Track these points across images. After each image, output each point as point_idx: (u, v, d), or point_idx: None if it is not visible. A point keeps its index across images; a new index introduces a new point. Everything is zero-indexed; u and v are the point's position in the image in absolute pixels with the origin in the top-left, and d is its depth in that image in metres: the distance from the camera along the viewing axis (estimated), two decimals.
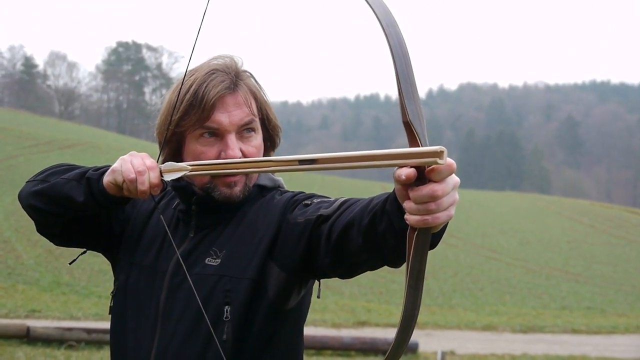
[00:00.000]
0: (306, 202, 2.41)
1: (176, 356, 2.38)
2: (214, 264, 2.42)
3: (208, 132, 2.42)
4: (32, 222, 2.73)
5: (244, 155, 2.43)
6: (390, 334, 19.02)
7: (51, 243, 2.75)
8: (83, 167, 2.58)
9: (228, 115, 2.40)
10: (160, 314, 2.44)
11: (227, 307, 2.36)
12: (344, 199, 2.34)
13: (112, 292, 2.62)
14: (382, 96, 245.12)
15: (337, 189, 66.23)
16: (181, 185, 2.51)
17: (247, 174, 2.45)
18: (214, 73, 2.42)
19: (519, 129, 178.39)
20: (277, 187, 2.62)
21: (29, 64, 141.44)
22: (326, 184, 68.81)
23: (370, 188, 71.53)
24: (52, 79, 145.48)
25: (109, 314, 2.61)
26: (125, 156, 2.39)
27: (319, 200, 2.42)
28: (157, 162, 2.44)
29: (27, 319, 17.43)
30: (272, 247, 2.41)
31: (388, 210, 2.03)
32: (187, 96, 2.39)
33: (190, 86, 2.41)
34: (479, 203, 67.83)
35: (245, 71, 2.50)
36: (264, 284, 2.38)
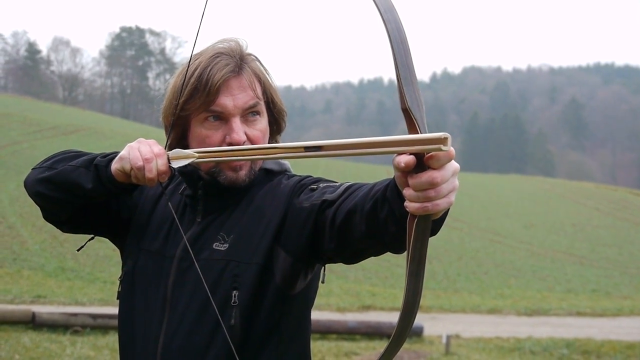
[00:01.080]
0: (312, 186, 2.40)
1: (184, 340, 2.37)
2: (222, 248, 2.41)
3: (212, 115, 2.40)
4: (38, 208, 2.73)
5: (249, 139, 2.41)
6: (395, 317, 19.01)
7: (57, 229, 2.74)
8: (90, 153, 2.58)
9: (232, 99, 2.38)
10: (168, 299, 2.43)
11: (235, 291, 2.35)
12: (349, 183, 2.33)
13: (119, 278, 2.61)
14: (385, 80, 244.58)
15: (342, 172, 66.23)
16: (188, 171, 2.49)
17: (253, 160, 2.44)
18: (218, 56, 2.41)
19: (523, 112, 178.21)
20: (284, 172, 2.61)
21: (32, 49, 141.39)
22: (330, 167, 68.79)
23: (374, 172, 71.52)
24: (56, 65, 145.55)
25: (117, 299, 2.60)
26: (132, 143, 2.39)
27: (324, 185, 2.40)
28: (165, 148, 2.45)
29: (33, 304, 17.47)
30: (279, 232, 2.39)
31: (388, 197, 2.03)
32: (192, 80, 2.38)
33: (195, 70, 2.39)
34: (483, 186, 67.81)
35: (250, 54, 2.49)
36: (271, 268, 2.37)
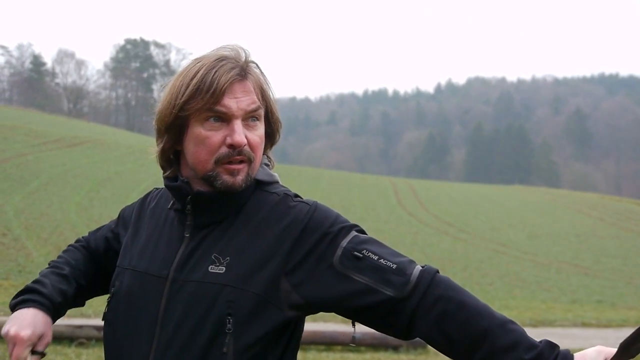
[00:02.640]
0: (357, 254, 2.34)
1: None
2: (218, 271, 2.34)
3: (214, 117, 2.37)
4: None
5: (249, 143, 2.40)
6: None
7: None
8: (39, 283, 2.68)
9: (236, 101, 2.36)
10: (159, 321, 2.37)
11: (229, 317, 2.30)
12: (419, 277, 2.34)
13: (108, 299, 2.56)
14: (390, 91, 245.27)
15: (345, 183, 66.24)
16: (176, 185, 2.46)
17: (249, 163, 2.44)
18: (223, 60, 2.40)
19: (527, 123, 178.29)
20: (274, 182, 2.59)
21: (37, 62, 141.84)
22: (333, 179, 68.77)
23: (378, 182, 71.55)
24: (61, 77, 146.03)
25: (102, 319, 2.56)
26: (15, 317, 2.59)
27: (376, 259, 2.33)
28: (158, 152, 2.50)
29: None
30: (286, 264, 2.35)
31: None
32: (195, 80, 2.35)
33: (197, 72, 2.38)
34: (487, 197, 67.80)
35: (253, 62, 2.49)
36: (270, 299, 2.33)
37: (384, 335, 13.87)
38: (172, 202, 2.55)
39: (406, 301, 2.28)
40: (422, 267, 2.35)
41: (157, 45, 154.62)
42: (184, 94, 2.37)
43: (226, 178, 2.38)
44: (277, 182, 2.58)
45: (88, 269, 2.76)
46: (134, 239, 2.59)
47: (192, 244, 2.44)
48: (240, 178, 2.39)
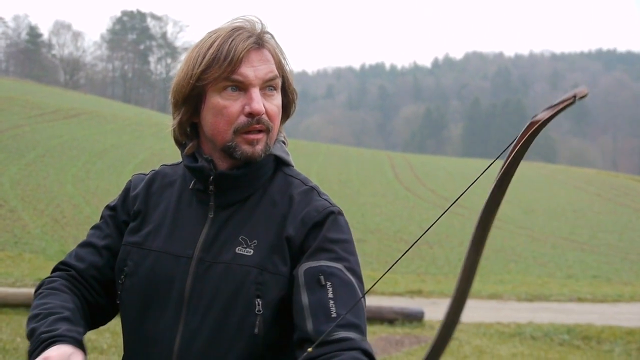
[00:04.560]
0: (321, 280, 2.28)
1: (205, 344, 2.33)
2: (246, 254, 2.36)
3: (232, 86, 2.36)
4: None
5: (266, 112, 2.39)
6: (395, 302, 19.08)
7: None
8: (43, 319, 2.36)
9: (254, 70, 2.35)
10: (185, 300, 2.37)
11: (258, 299, 2.31)
12: (336, 329, 2.22)
13: (120, 280, 2.49)
14: (387, 65, 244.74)
15: (342, 157, 66.24)
16: (198, 166, 2.45)
17: (267, 133, 2.42)
18: (239, 30, 2.38)
19: (524, 98, 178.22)
20: (292, 165, 2.58)
21: (33, 33, 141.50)
22: (330, 153, 68.75)
23: (375, 157, 71.54)
24: (57, 49, 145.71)
25: (118, 301, 2.50)
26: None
27: (330, 296, 2.27)
28: (175, 124, 2.46)
29: (34, 287, 17.50)
30: (302, 253, 2.36)
31: None
32: (211, 50, 2.34)
33: (214, 42, 2.36)
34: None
35: (268, 32, 2.48)
36: (291, 281, 2.35)
37: (379, 308, 13.90)
38: (192, 182, 2.52)
39: (311, 341, 2.21)
40: (365, 348, 2.22)
41: (154, 17, 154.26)
42: (200, 63, 2.35)
43: (245, 148, 2.37)
44: (291, 163, 2.58)
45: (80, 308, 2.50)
46: (145, 219, 2.55)
47: (217, 224, 2.43)
48: (259, 148, 2.38)
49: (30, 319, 2.38)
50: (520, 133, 1.71)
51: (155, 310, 2.41)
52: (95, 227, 2.65)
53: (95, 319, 2.58)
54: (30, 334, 2.33)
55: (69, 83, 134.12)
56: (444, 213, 1.89)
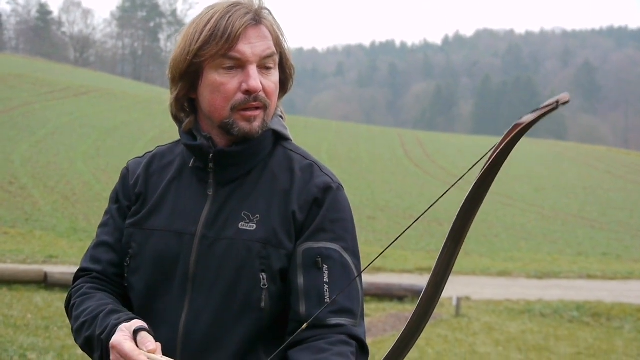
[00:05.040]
0: (317, 262, 2.33)
1: (211, 319, 2.34)
2: (249, 229, 2.36)
3: (229, 62, 2.38)
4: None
5: (264, 89, 2.39)
6: (405, 279, 19.11)
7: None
8: (95, 318, 2.38)
9: (251, 47, 2.34)
10: (190, 277, 2.38)
11: (263, 274, 2.33)
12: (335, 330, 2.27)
13: (125, 263, 2.50)
14: (397, 43, 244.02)
15: (352, 134, 66.18)
16: (197, 144, 2.44)
17: (265, 109, 2.43)
18: (236, 6, 2.37)
19: (535, 75, 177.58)
20: (290, 139, 2.57)
21: (43, 10, 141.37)
22: (341, 130, 68.70)
23: (385, 134, 71.46)
24: (67, 26, 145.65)
25: (125, 284, 2.50)
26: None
27: (325, 280, 2.32)
28: (171, 96, 2.45)
29: (45, 264, 17.57)
30: (303, 229, 2.37)
31: None
32: (208, 26, 2.33)
33: (211, 18, 2.35)
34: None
35: (266, 8, 2.46)
36: (293, 256, 2.36)
37: (388, 285, 13.91)
38: (192, 160, 2.51)
39: (302, 324, 2.22)
40: (354, 333, 2.28)
41: None
42: (197, 40, 2.34)
43: (243, 125, 2.37)
44: (289, 137, 2.57)
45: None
46: (146, 200, 2.54)
47: (219, 200, 2.43)
48: (256, 124, 2.38)
49: (78, 331, 2.41)
50: (504, 134, 1.74)
51: (161, 288, 2.42)
52: (102, 225, 2.63)
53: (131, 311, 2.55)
54: (88, 344, 2.36)
55: (79, 61, 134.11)
56: (440, 197, 1.89)
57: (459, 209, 1.82)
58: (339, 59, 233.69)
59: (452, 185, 1.94)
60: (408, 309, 15.28)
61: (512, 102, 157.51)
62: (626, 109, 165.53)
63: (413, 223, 1.86)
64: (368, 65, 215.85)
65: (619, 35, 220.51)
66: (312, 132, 62.17)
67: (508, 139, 1.73)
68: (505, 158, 1.77)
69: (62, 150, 39.80)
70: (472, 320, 14.80)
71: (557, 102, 1.62)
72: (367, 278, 18.47)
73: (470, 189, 1.79)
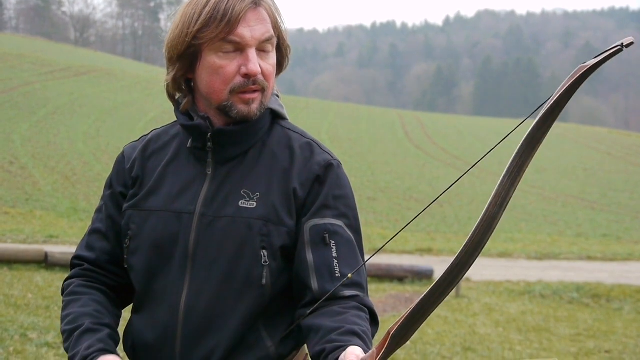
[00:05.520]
0: (325, 238, 2.35)
1: (212, 299, 2.35)
2: (249, 206, 2.37)
3: (228, 46, 2.36)
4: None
5: (262, 72, 2.39)
6: (405, 260, 19.14)
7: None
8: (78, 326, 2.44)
9: (250, 30, 2.34)
10: (190, 256, 2.38)
11: (264, 251, 2.34)
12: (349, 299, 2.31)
13: (125, 244, 2.51)
14: (398, 24, 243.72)
15: (353, 115, 66.18)
16: (195, 124, 2.44)
17: (263, 92, 2.43)
18: None
19: (536, 56, 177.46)
20: (285, 117, 2.58)
21: None
22: (341, 111, 68.68)
23: (386, 115, 71.44)
24: (67, 6, 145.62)
25: (125, 265, 2.52)
26: None
27: (334, 255, 2.34)
28: (169, 80, 2.44)
29: (45, 244, 17.57)
30: (304, 206, 2.40)
31: None
32: (207, 9, 2.31)
33: (209, 0, 2.38)
34: (495, 131, 67.68)
35: None
36: (295, 233, 2.38)
37: (389, 266, 13.92)
38: (190, 140, 2.50)
39: (316, 299, 2.29)
40: (366, 303, 2.32)
41: None
42: (196, 22, 2.33)
43: (241, 108, 2.37)
44: (288, 118, 2.58)
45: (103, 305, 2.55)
46: (144, 182, 2.54)
47: (217, 179, 2.44)
48: (255, 107, 2.38)
49: (62, 336, 2.47)
50: (569, 76, 1.80)
51: (161, 268, 2.42)
52: (97, 210, 2.66)
53: (125, 298, 2.64)
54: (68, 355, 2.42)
55: (79, 40, 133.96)
56: (464, 175, 1.89)
57: (518, 147, 1.90)
58: (339, 39, 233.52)
59: (471, 169, 1.94)
60: (408, 290, 15.32)
61: (512, 83, 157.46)
62: (627, 91, 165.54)
63: (431, 204, 1.86)
64: (369, 46, 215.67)
65: (620, 17, 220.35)
66: (312, 113, 62.15)
67: (572, 81, 1.79)
68: (569, 98, 1.84)
69: (62, 130, 39.81)
70: (472, 301, 14.82)
71: (622, 44, 1.67)
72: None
73: (531, 127, 1.88)
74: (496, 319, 13.26)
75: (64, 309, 2.54)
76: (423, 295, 1.78)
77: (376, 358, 1.83)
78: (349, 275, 2.30)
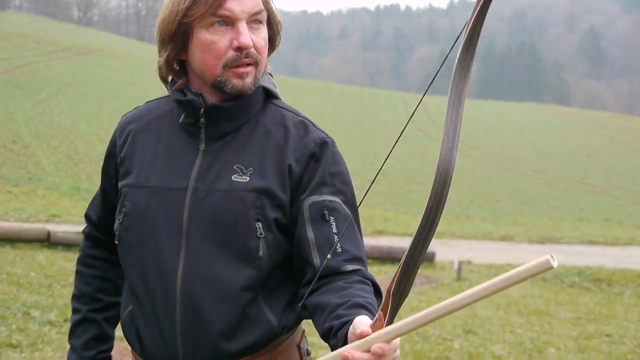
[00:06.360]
0: (324, 214, 2.37)
1: (209, 274, 2.35)
2: (242, 181, 2.38)
3: (219, 21, 2.34)
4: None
5: (254, 46, 2.39)
6: (407, 243, 19.14)
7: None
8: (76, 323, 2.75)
9: (239, 3, 2.33)
10: (184, 233, 2.38)
11: (259, 223, 2.34)
12: (340, 258, 2.34)
13: (118, 221, 2.51)
14: (402, 6, 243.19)
15: (356, 98, 66.10)
16: (188, 99, 2.43)
17: (256, 66, 2.41)
18: None
19: (540, 40, 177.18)
20: (277, 96, 2.58)
21: None
22: (344, 94, 68.61)
23: (390, 97, 71.37)
24: None
25: (116, 241, 2.52)
26: None
27: (334, 231, 2.36)
28: (162, 62, 2.44)
29: (48, 223, 17.61)
30: (300, 184, 2.40)
31: (333, 344, 2.13)
32: None
33: None
34: (498, 114, 67.66)
35: None
36: (288, 205, 2.39)
37: (390, 248, 13.89)
38: (182, 116, 2.51)
39: (316, 275, 2.30)
40: (368, 277, 2.34)
41: None
42: (185, 0, 2.35)
43: (235, 82, 2.37)
44: (281, 97, 2.58)
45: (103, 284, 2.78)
46: (135, 158, 2.55)
47: (210, 155, 2.44)
48: (249, 81, 2.38)
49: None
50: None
51: (155, 245, 2.43)
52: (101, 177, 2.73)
53: None
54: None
55: (83, 20, 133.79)
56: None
57: (451, 79, 1.95)
58: (343, 22, 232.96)
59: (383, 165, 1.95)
60: None
61: (516, 66, 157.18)
62: (631, 75, 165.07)
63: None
64: (372, 28, 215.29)
65: (625, 1, 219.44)
66: (315, 95, 62.10)
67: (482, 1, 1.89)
68: (484, 19, 1.94)
69: (65, 110, 39.80)
70: (474, 284, 14.83)
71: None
72: (369, 241, 18.53)
73: (457, 57, 1.95)
74: (497, 302, 13.29)
75: (75, 280, 2.81)
76: (409, 246, 1.84)
77: (384, 320, 1.86)
78: (338, 250, 2.31)
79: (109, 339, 2.76)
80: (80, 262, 2.78)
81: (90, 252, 2.76)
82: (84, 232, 2.80)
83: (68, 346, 2.70)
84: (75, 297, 2.76)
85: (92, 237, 2.76)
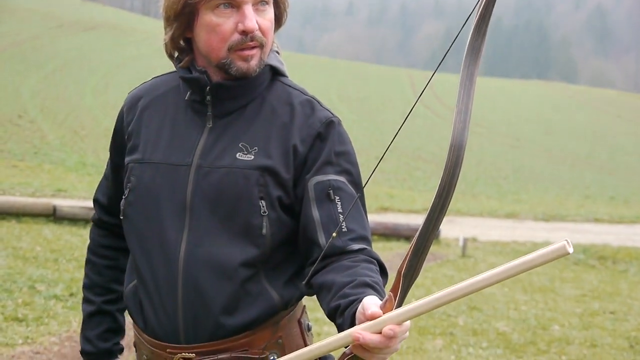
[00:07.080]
0: (330, 194, 2.37)
1: (211, 250, 2.36)
2: (247, 159, 2.37)
3: (224, 3, 2.33)
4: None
5: (260, 28, 2.37)
6: (412, 219, 19.15)
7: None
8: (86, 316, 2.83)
9: None
10: (187, 207, 2.39)
11: (262, 201, 2.34)
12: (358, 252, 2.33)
13: (124, 196, 2.52)
14: None
15: (362, 74, 65.98)
16: (194, 77, 2.43)
17: (261, 48, 2.41)
18: None
19: (547, 18, 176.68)
20: (284, 74, 2.57)
21: None
22: (351, 70, 68.49)
23: (396, 74, 71.21)
24: None
25: (121, 216, 2.53)
26: None
27: (339, 211, 2.36)
28: (166, 41, 2.44)
29: (54, 198, 17.62)
30: (305, 163, 2.39)
31: (339, 323, 2.14)
32: None
33: None
34: (504, 91, 67.51)
35: None
36: (292, 184, 2.39)
37: (396, 225, 13.92)
38: (188, 93, 2.51)
39: (324, 254, 2.30)
40: (374, 256, 2.35)
41: None
42: None
43: (240, 64, 2.36)
44: (287, 75, 2.57)
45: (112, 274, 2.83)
46: (141, 134, 2.55)
47: (215, 132, 2.44)
48: (254, 63, 2.37)
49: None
50: None
51: (159, 220, 2.43)
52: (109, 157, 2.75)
53: None
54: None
55: None
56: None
57: (463, 61, 2.02)
58: None
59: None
60: None
61: (523, 44, 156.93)
62: (637, 53, 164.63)
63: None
64: (379, 5, 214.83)
65: None
66: (321, 71, 61.98)
67: None
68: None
69: (70, 85, 39.80)
70: (478, 261, 14.86)
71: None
72: (375, 217, 18.54)
73: (469, 39, 2.00)
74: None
75: (86, 268, 2.86)
76: (420, 228, 1.85)
77: (394, 301, 1.87)
78: (343, 230, 2.31)
79: (122, 330, 2.82)
80: (91, 251, 2.82)
81: (101, 241, 2.80)
82: (93, 219, 2.83)
83: (79, 337, 2.79)
84: (87, 287, 2.81)
85: (103, 224, 2.79)
